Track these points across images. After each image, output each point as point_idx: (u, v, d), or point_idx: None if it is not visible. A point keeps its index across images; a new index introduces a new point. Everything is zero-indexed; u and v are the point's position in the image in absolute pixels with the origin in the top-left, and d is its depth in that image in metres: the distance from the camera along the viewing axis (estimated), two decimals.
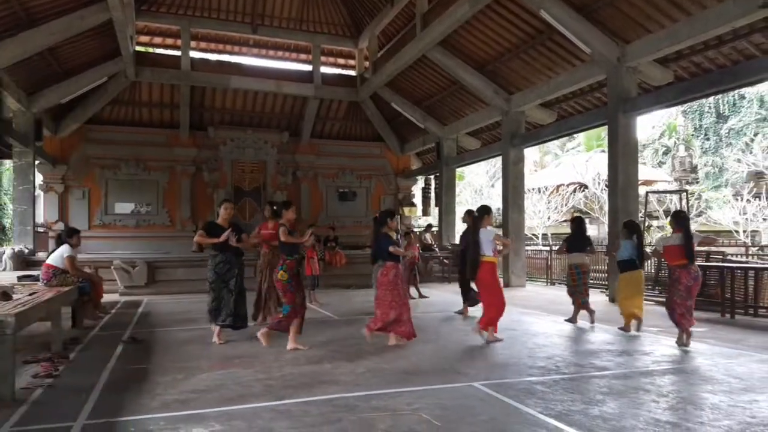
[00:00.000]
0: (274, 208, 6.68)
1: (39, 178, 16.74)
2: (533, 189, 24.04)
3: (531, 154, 36.27)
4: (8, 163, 18.32)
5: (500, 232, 13.27)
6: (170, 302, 11.26)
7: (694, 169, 34.50)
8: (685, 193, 13.16)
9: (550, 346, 6.50)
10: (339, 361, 5.67)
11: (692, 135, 37.06)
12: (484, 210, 7.08)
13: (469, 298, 8.73)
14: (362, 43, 18.08)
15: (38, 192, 16.98)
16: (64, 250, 7.36)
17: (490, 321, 6.73)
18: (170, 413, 3.98)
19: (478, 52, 13.73)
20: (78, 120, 16.19)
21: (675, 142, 33.91)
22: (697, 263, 6.66)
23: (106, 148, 16.90)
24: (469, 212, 9.46)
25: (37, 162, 15.64)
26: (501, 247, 7.23)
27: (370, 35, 17.14)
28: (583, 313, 8.02)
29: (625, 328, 7.34)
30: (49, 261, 7.38)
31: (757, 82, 9.51)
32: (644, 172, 25.71)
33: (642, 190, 14.30)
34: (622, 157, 10.73)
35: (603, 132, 25.90)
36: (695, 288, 6.49)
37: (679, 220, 6.78)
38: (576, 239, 8.23)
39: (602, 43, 10.63)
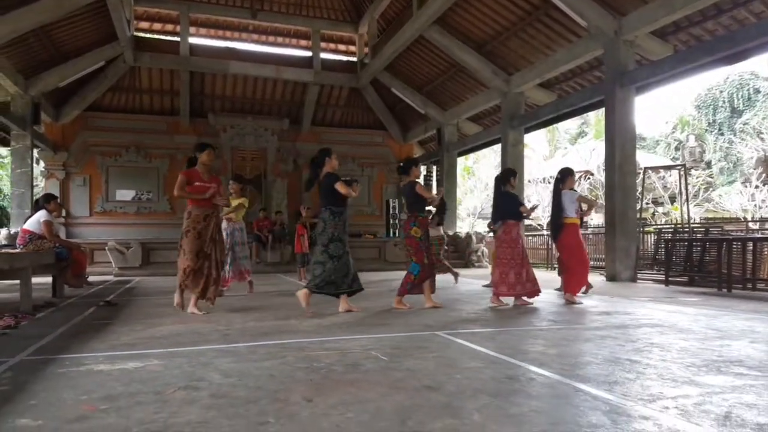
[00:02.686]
0: (401, 165, 6.51)
1: (41, 165, 16.85)
2: (539, 179, 23.75)
3: (541, 147, 35.98)
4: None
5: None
6: (162, 281, 11.21)
7: (708, 165, 33.89)
8: (683, 168, 12.77)
9: (533, 309, 6.29)
10: (306, 318, 5.51)
11: (705, 130, 36.41)
12: (567, 171, 6.99)
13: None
14: (362, 27, 17.94)
15: (41, 179, 17.09)
16: (41, 215, 7.28)
17: (579, 284, 6.68)
18: (113, 352, 3.85)
19: (476, 30, 13.54)
20: (78, 107, 16.23)
21: (687, 136, 33.34)
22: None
23: (107, 135, 16.92)
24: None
25: (38, 148, 15.74)
26: (585, 208, 7.12)
27: (370, 19, 16.99)
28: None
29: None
30: (25, 226, 7.31)
31: (757, 49, 9.16)
32: (654, 161, 25.35)
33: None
34: (619, 132, 10.49)
35: None
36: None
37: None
38: None
39: (598, 15, 10.41)
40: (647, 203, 20.55)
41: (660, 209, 20.29)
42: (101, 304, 6.71)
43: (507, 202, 6.62)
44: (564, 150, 36.41)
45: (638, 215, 11.54)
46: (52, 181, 16.58)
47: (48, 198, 7.61)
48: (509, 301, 6.55)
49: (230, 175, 17.33)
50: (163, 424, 2.31)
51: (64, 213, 16.09)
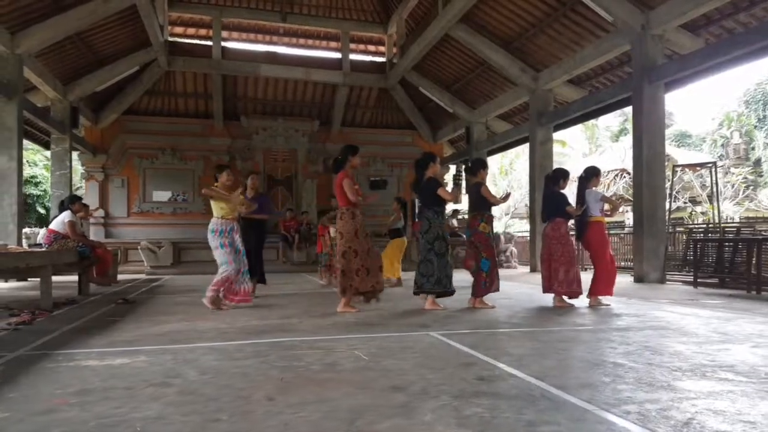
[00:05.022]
0: (469, 164, 6.69)
1: (82, 168, 17.46)
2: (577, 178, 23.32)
3: (580, 144, 35.34)
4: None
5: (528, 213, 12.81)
6: (190, 279, 11.46)
7: (757, 162, 32.56)
8: (713, 166, 12.31)
9: (540, 309, 6.19)
10: (310, 317, 5.57)
11: (755, 126, 35.00)
12: (592, 171, 6.94)
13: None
14: (391, 28, 17.95)
15: (82, 181, 17.69)
16: (66, 215, 7.57)
17: (607, 286, 6.59)
18: (108, 348, 3.97)
19: (502, 28, 13.38)
20: (116, 111, 16.76)
21: (731, 133, 32.12)
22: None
23: (144, 137, 17.38)
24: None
25: (78, 151, 16.33)
26: (609, 208, 7.06)
27: (398, 19, 16.99)
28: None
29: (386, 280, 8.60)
30: (51, 226, 7.61)
31: None
32: (699, 158, 24.54)
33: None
34: (647, 129, 10.20)
35: None
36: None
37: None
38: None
39: (625, 10, 10.15)
40: (685, 202, 19.90)
41: (698, 208, 19.61)
42: (119, 302, 6.92)
43: (555, 201, 6.68)
44: (603, 148, 35.61)
45: (670, 214, 11.19)
46: (92, 182, 17.16)
47: (72, 199, 7.91)
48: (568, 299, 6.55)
49: (262, 176, 17.71)
50: (120, 418, 2.38)
51: (102, 213, 16.64)
